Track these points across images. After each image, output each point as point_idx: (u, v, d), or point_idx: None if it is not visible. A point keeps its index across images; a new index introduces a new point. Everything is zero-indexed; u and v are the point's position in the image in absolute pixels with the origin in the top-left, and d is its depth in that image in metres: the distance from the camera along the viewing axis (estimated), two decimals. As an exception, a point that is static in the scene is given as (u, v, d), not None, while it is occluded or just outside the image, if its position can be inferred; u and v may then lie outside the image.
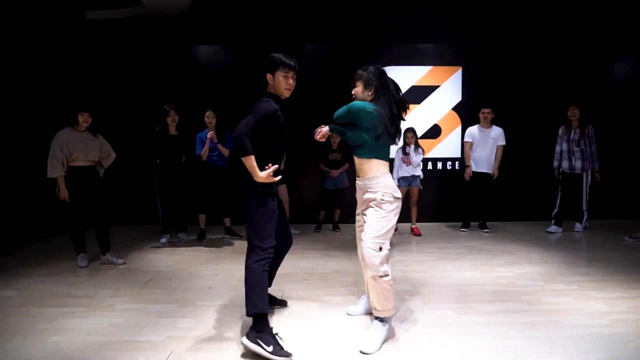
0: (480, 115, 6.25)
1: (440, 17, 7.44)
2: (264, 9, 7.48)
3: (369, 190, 2.87)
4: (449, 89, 7.10)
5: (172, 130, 5.66)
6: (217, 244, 5.74)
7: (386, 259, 2.79)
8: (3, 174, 5.77)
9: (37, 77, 6.48)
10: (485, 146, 6.24)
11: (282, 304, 3.52)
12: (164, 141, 5.59)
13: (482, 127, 6.27)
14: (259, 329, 2.65)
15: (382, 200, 2.79)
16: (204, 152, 5.66)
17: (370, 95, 2.88)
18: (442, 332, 2.96)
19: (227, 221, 6.12)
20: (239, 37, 7.50)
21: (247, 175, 2.80)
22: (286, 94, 2.97)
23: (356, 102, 2.85)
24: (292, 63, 2.91)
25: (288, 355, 2.59)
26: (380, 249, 2.75)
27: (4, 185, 5.78)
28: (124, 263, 4.81)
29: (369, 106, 2.80)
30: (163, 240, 5.75)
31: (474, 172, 6.33)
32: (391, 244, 2.99)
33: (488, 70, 7.11)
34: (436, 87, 7.10)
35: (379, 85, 2.86)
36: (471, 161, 6.34)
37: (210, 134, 5.62)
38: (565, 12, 7.45)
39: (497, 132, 6.24)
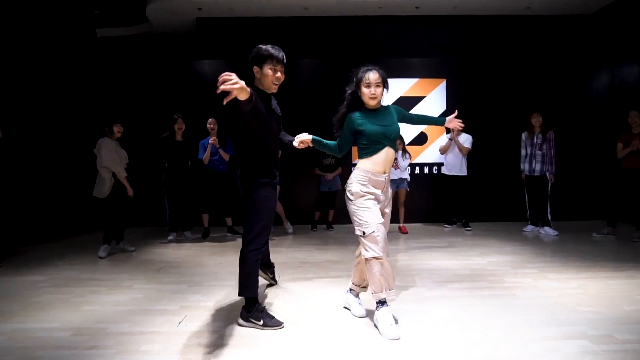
0: None
1: (426, 34, 8.10)
2: (262, 25, 8.10)
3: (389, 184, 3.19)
4: (434, 99, 7.69)
5: (178, 137, 6.23)
6: (220, 240, 6.27)
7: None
8: (25, 180, 6.33)
9: (59, 88, 7.07)
10: (455, 152, 6.87)
11: (273, 279, 4.00)
12: (171, 147, 6.16)
13: (453, 136, 6.87)
14: (249, 309, 3.01)
15: None
16: (206, 156, 6.22)
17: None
18: (416, 304, 3.49)
19: (229, 220, 6.65)
20: (239, 52, 8.11)
21: (246, 168, 2.99)
22: (273, 88, 2.96)
23: (350, 118, 3.04)
24: (280, 55, 2.89)
25: (279, 324, 2.99)
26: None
27: (25, 189, 6.34)
28: (134, 250, 5.55)
29: (356, 114, 3.06)
30: (170, 237, 6.28)
31: (449, 176, 6.96)
32: None
33: (469, 82, 7.71)
34: (422, 97, 7.69)
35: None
36: (444, 166, 7.04)
37: (212, 139, 6.18)
38: (539, 30, 8.14)
39: (464, 138, 6.85)
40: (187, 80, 7.60)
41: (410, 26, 8.21)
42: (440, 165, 7.68)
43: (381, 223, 2.96)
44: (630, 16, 7.26)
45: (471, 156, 7.00)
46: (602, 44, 7.91)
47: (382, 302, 2.97)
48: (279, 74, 2.95)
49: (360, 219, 2.97)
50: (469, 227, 6.94)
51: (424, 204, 7.72)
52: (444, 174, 7.08)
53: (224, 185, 6.43)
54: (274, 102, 3.16)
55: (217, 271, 4.57)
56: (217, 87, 2.34)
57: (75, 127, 7.33)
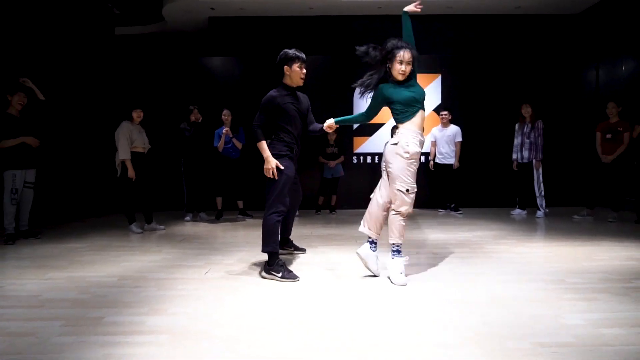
0: (439, 117, 7.47)
1: (422, 31, 8.66)
2: (270, 24, 8.69)
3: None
4: (430, 92, 8.23)
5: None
6: (232, 221, 6.86)
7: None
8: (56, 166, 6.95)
9: (84, 83, 7.67)
10: (444, 143, 7.49)
11: (303, 250, 4.51)
12: (189, 135, 6.76)
13: (441, 127, 7.50)
14: (270, 262, 3.57)
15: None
16: (220, 144, 6.82)
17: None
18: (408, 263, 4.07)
19: (240, 203, 7.23)
20: (249, 50, 8.72)
21: (271, 144, 3.67)
22: (301, 82, 3.73)
23: (381, 89, 3.42)
24: (303, 56, 3.69)
25: (295, 277, 3.51)
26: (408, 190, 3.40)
27: (57, 174, 6.95)
28: (164, 229, 6.06)
29: (386, 85, 3.42)
30: (187, 218, 6.90)
31: (440, 164, 7.58)
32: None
33: (463, 77, 8.29)
34: (419, 91, 8.25)
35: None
36: (437, 156, 7.61)
37: (225, 129, 6.77)
38: (529, 28, 8.70)
39: (453, 130, 7.47)
40: (199, 75, 8.19)
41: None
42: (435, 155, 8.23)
43: None
44: (615, 15, 7.81)
45: (464, 146, 7.55)
46: (589, 42, 8.46)
47: (398, 251, 3.49)
48: (304, 70, 3.71)
49: (407, 178, 3.36)
50: (460, 211, 7.49)
51: (420, 191, 8.25)
52: (436, 163, 7.65)
53: (236, 171, 7.02)
54: (299, 95, 3.88)
55: (234, 241, 5.17)
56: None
57: (99, 117, 7.93)
